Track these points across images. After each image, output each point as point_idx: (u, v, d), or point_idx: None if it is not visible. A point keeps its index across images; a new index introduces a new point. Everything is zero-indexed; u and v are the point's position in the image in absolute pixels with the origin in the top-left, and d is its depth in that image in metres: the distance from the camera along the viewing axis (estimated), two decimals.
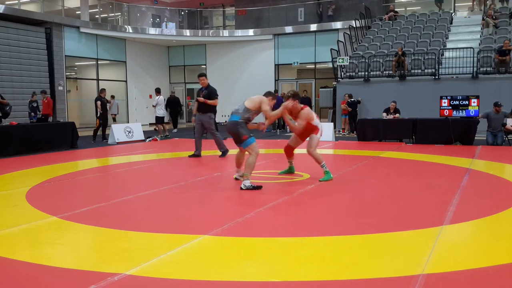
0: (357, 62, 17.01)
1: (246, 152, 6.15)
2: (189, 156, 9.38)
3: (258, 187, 5.88)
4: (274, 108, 6.50)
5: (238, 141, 6.07)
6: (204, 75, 9.39)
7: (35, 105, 15.09)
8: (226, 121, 21.74)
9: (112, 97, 18.61)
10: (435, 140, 11.52)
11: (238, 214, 4.63)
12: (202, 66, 24.21)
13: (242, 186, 5.87)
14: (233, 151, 9.62)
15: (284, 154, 7.05)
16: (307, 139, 6.65)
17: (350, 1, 21.00)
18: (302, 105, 6.54)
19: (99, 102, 13.61)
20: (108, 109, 13.80)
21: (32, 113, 15.00)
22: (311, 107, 18.16)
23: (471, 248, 3.70)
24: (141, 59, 22.71)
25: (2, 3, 16.95)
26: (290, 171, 7.01)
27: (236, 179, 6.47)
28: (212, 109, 9.44)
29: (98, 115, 13.66)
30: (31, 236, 4.01)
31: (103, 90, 14.14)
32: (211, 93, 9.16)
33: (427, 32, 17.74)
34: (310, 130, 6.57)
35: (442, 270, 3.10)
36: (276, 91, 18.54)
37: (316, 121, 6.57)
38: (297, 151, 7.14)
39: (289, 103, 6.34)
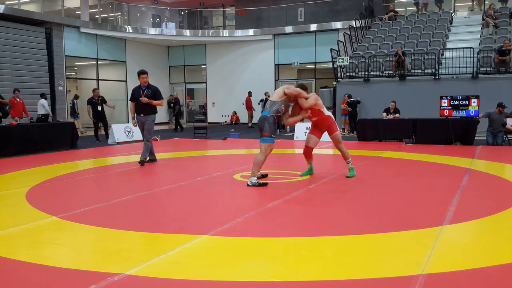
0: (357, 62, 17.00)
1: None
2: (139, 162, 8.32)
3: (264, 184, 6.04)
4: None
5: (261, 135, 6.27)
6: (147, 72, 8.37)
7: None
8: (226, 121, 21.89)
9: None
10: (435, 140, 11.52)
11: (238, 214, 4.63)
12: (202, 66, 24.22)
13: (249, 182, 6.04)
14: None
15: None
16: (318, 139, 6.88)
17: (351, 1, 20.99)
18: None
19: (89, 106, 13.86)
20: (100, 109, 13.93)
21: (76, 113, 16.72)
22: None
23: (471, 248, 3.70)
24: (141, 59, 22.69)
25: (2, 3, 16.95)
26: (310, 172, 7.11)
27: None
28: (155, 111, 8.49)
29: (91, 115, 13.92)
30: (31, 236, 4.01)
31: (94, 90, 14.47)
32: (156, 93, 8.34)
33: (427, 32, 17.72)
34: (323, 124, 6.76)
35: (442, 270, 3.10)
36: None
37: (327, 111, 6.76)
38: (299, 151, 7.15)
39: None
